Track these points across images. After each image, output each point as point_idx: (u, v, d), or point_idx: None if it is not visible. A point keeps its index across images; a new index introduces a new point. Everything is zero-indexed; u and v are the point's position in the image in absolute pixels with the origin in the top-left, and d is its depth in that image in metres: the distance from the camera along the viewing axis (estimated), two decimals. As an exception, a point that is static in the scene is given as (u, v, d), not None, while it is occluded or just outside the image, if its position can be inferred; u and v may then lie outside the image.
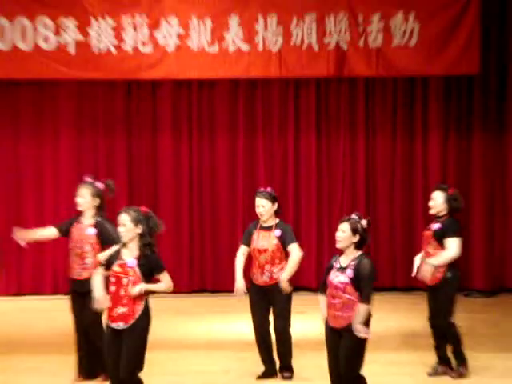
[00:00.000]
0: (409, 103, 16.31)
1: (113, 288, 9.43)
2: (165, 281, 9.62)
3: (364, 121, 16.34)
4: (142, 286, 9.40)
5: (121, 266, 9.44)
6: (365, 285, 9.27)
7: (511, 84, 16.21)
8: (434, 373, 11.44)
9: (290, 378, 11.47)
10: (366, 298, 9.28)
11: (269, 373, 11.49)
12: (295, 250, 11.26)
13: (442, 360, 11.49)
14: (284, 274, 11.23)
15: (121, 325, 9.47)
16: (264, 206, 11.29)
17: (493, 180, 16.30)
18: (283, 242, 11.28)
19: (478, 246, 15.97)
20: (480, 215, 16.19)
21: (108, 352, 9.61)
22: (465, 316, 13.41)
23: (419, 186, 16.05)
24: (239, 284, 11.38)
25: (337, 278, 9.41)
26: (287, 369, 11.54)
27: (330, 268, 9.58)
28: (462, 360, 11.44)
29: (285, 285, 11.24)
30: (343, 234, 9.43)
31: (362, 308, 9.27)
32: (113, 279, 9.42)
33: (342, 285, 9.33)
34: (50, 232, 11.52)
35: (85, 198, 11.23)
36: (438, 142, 16.32)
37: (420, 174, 16.26)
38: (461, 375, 11.34)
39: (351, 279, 9.32)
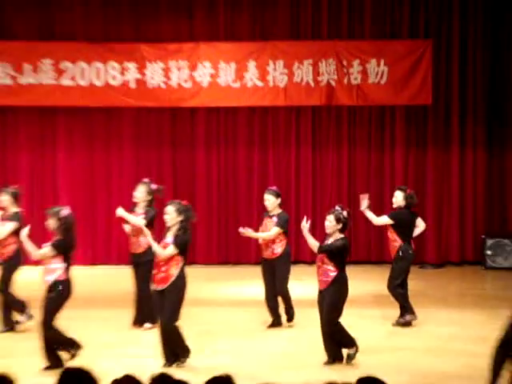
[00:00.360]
0: (380, 126, 16.35)
1: (156, 260, 9.97)
2: (166, 249, 9.80)
3: (347, 138, 16.37)
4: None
5: (164, 245, 9.90)
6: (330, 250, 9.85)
7: (455, 111, 16.11)
8: (397, 323, 11.71)
9: (292, 324, 11.85)
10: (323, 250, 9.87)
11: (275, 323, 11.77)
12: (272, 231, 11.53)
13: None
14: (253, 233, 11.75)
15: (160, 287, 9.84)
16: (269, 200, 11.70)
17: (441, 183, 16.35)
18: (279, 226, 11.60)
19: (430, 231, 15.74)
20: (432, 208, 16.16)
21: (154, 307, 10.24)
22: (420, 282, 14.05)
23: (387, 187, 15.75)
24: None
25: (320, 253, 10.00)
26: (290, 319, 11.88)
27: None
28: (406, 310, 11.67)
29: (248, 234, 11.78)
30: (330, 223, 10.14)
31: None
32: None
33: (322, 258, 9.91)
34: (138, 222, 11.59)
35: (141, 194, 11.70)
36: (402, 155, 16.33)
37: (388, 178, 16.19)
38: (407, 321, 11.66)
39: (327, 256, 9.85)
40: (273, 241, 11.66)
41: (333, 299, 9.91)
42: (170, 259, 9.90)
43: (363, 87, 15.84)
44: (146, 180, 11.94)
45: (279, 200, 11.80)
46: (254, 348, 10.93)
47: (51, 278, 9.87)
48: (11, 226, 11.57)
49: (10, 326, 11.73)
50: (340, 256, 9.93)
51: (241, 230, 11.73)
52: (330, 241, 10.01)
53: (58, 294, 9.88)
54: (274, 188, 12.05)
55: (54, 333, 9.93)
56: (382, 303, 12.53)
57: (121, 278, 13.31)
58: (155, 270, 10.05)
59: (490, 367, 8.17)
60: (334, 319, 9.98)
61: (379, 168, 16.42)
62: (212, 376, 5.05)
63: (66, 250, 9.94)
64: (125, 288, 12.57)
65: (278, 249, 11.67)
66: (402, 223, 11.78)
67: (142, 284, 11.63)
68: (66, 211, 10.02)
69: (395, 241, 11.80)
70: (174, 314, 9.96)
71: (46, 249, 9.85)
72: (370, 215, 11.97)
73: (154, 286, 10.09)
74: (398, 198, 11.85)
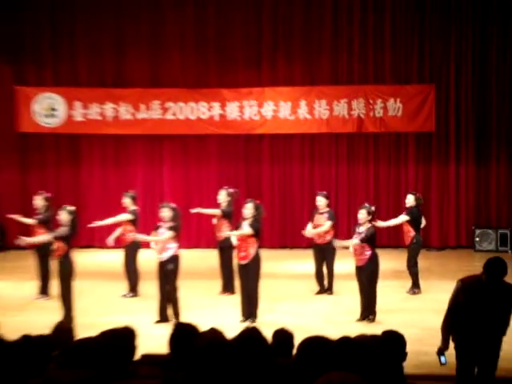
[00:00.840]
0: (397, 147, 16.22)
1: (238, 243, 10.22)
2: (244, 230, 9.97)
3: (373, 157, 16.25)
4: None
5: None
6: (367, 237, 10.04)
7: (452, 136, 15.94)
8: (409, 292, 11.92)
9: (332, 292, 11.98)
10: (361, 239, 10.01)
11: (321, 291, 11.91)
12: (327, 225, 11.66)
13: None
14: (313, 231, 11.70)
15: (243, 262, 10.11)
16: (321, 201, 11.86)
17: (442, 189, 16.15)
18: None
19: (434, 223, 15.79)
20: (435, 207, 15.95)
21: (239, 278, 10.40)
22: (426, 261, 13.82)
23: (402, 193, 14.77)
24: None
25: (355, 238, 10.15)
26: (330, 289, 12.04)
27: (354, 232, 10.25)
28: (415, 285, 11.92)
29: (310, 234, 11.84)
30: (362, 215, 10.29)
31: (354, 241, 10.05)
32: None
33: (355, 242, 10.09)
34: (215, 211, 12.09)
35: (222, 196, 11.91)
36: (413, 169, 16.15)
37: (403, 186, 15.82)
38: (415, 292, 11.86)
39: (362, 240, 10.05)
40: (326, 231, 11.77)
41: (372, 270, 10.09)
42: (248, 242, 10.02)
43: (384, 119, 15.86)
44: (225, 187, 12.14)
45: (328, 201, 11.97)
46: (307, 309, 11.07)
47: (168, 254, 10.11)
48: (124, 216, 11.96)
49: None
50: (372, 239, 10.10)
51: (303, 232, 11.88)
52: (361, 229, 10.15)
53: (176, 266, 10.13)
54: (324, 192, 12.18)
55: (175, 295, 10.16)
56: (399, 276, 12.53)
57: (211, 259, 13.14)
58: (238, 250, 10.21)
59: (441, 332, 7.41)
60: (374, 286, 10.16)
61: (397, 179, 16.33)
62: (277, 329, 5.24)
63: (178, 232, 10.21)
64: (214, 266, 12.58)
65: (328, 237, 11.82)
66: (415, 218, 11.91)
67: (227, 262, 11.87)
68: (174, 205, 10.36)
69: (409, 232, 11.93)
70: (257, 280, 10.11)
71: (168, 233, 10.08)
72: (389, 223, 12.12)
73: (238, 262, 10.20)
74: (410, 200, 12.05)
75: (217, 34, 16.19)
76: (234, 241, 10.64)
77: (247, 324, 9.66)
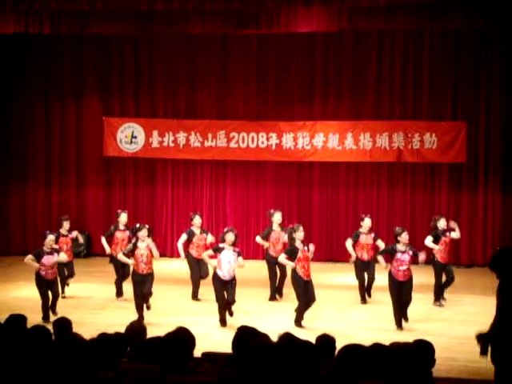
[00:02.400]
0: (431, 176, 15.89)
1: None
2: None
3: (410, 184, 15.89)
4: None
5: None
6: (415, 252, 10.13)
7: (481, 167, 15.63)
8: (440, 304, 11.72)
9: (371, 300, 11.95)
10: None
11: (364, 301, 11.86)
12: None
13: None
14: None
15: (308, 279, 10.12)
16: (368, 222, 11.91)
17: (472, 213, 15.74)
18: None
19: (463, 243, 15.25)
20: (465, 229, 15.01)
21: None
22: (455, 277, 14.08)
23: (436, 215, 13.52)
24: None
25: (403, 257, 10.06)
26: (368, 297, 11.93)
27: (395, 251, 10.09)
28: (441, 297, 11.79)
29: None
30: (407, 236, 10.27)
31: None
32: None
33: (408, 259, 10.10)
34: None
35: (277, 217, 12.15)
36: (446, 195, 15.79)
37: (437, 211, 15.04)
38: (441, 304, 11.67)
39: (411, 256, 10.09)
40: (371, 247, 11.78)
41: (411, 285, 10.16)
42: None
43: (421, 150, 15.60)
44: (271, 211, 12.34)
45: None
46: (348, 317, 10.98)
47: (233, 274, 10.23)
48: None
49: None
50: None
51: (352, 259, 11.83)
52: (403, 248, 10.01)
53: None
54: (369, 215, 12.16)
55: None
56: (427, 289, 12.07)
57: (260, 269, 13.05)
58: (301, 268, 10.13)
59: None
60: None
61: (431, 204, 16.00)
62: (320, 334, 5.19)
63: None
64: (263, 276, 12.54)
65: (371, 253, 11.81)
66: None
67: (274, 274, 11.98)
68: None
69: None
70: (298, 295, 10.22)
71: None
72: (432, 246, 11.80)
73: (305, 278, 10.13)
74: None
75: (275, 73, 16.20)
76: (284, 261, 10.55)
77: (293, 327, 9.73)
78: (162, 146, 16.27)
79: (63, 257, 10.92)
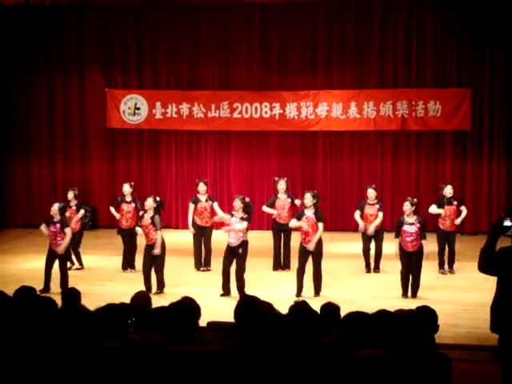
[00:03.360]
0: (436, 144, 15.86)
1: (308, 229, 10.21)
2: (319, 225, 10.16)
3: (414, 152, 15.87)
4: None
5: (307, 218, 10.21)
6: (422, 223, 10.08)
7: (485, 134, 15.61)
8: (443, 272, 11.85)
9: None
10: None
11: (368, 270, 11.93)
12: (380, 215, 11.78)
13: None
14: (373, 226, 11.65)
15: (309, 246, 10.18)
16: (372, 193, 11.90)
17: (476, 181, 15.69)
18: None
19: (468, 211, 13.80)
20: (470, 197, 15.43)
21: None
22: (459, 244, 13.11)
23: (441, 183, 13.82)
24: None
25: (410, 228, 10.12)
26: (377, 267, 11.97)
27: (402, 223, 10.15)
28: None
29: (370, 230, 11.80)
30: (407, 207, 10.24)
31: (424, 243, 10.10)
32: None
33: (415, 231, 10.07)
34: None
35: (282, 186, 12.06)
36: (450, 163, 15.75)
37: (441, 180, 14.77)
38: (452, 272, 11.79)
39: (419, 228, 10.09)
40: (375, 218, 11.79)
41: (421, 256, 10.12)
42: (315, 228, 10.04)
43: (425, 118, 15.51)
44: (275, 178, 12.34)
45: (377, 193, 11.93)
46: (354, 285, 11.03)
47: (239, 240, 10.11)
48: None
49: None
50: (424, 228, 10.08)
51: (361, 229, 11.85)
52: (409, 219, 10.07)
53: (245, 250, 10.19)
54: (374, 185, 12.16)
55: (242, 275, 10.15)
56: (432, 257, 11.91)
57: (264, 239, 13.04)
58: (305, 235, 10.15)
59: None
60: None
61: (435, 173, 15.94)
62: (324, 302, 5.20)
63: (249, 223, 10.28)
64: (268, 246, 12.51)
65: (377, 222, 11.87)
66: None
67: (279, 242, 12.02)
68: (247, 199, 10.39)
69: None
70: (321, 261, 10.24)
71: (244, 223, 10.11)
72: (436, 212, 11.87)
73: (305, 245, 10.17)
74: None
75: (278, 43, 16.11)
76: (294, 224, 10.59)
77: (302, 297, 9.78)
78: (165, 117, 16.22)
79: (68, 234, 10.75)
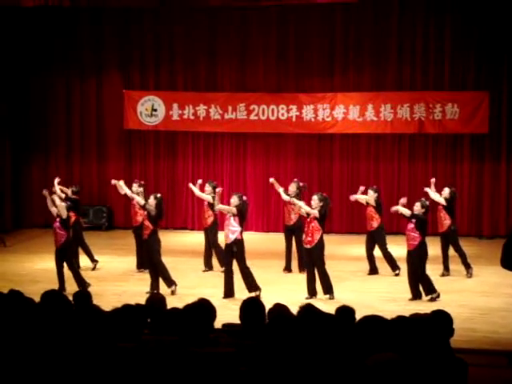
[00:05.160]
0: (453, 147, 15.73)
1: (305, 228, 10.13)
2: (312, 210, 9.94)
3: (431, 155, 15.77)
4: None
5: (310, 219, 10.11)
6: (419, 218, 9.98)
7: (504, 137, 15.44)
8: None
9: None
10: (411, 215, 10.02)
11: (372, 273, 11.78)
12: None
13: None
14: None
15: (308, 246, 10.08)
16: (369, 194, 11.90)
17: (494, 184, 15.51)
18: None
19: (486, 214, 15.42)
20: (488, 199, 15.42)
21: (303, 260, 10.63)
22: (477, 248, 13.87)
23: (458, 187, 14.34)
24: None
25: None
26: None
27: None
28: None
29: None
30: (417, 207, 10.19)
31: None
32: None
33: (412, 228, 10.01)
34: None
35: (292, 188, 11.85)
36: (468, 167, 15.64)
37: (459, 183, 15.27)
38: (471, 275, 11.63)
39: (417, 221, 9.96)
40: (374, 219, 11.82)
41: (420, 255, 9.91)
42: (314, 228, 9.95)
43: (443, 121, 15.45)
44: (296, 180, 12.11)
45: (376, 194, 11.82)
46: (368, 288, 10.99)
47: (233, 237, 10.10)
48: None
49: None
50: (423, 226, 10.00)
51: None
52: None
53: (240, 248, 10.10)
54: (375, 187, 12.14)
55: (247, 271, 10.15)
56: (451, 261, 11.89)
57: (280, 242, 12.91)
58: (304, 235, 10.16)
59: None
60: (423, 269, 9.95)
61: (453, 175, 15.82)
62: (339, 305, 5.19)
63: (241, 218, 10.17)
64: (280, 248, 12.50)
65: (375, 224, 11.90)
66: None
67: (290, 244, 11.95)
68: (245, 197, 10.40)
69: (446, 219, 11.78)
70: (323, 263, 10.07)
71: (232, 220, 10.05)
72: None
73: (304, 246, 10.16)
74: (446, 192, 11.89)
75: (295, 45, 16.10)
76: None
77: (312, 300, 9.66)
78: (182, 118, 16.27)
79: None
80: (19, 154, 16.76)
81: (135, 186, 12.29)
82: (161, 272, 10.36)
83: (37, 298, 5.21)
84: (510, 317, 9.23)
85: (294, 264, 12.02)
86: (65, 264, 10.51)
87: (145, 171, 16.74)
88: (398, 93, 15.69)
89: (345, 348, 3.70)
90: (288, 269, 12.05)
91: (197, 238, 13.80)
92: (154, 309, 5.08)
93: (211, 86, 16.45)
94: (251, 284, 10.13)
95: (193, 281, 11.37)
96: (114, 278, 11.72)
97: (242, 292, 10.04)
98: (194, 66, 16.44)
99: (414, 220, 10.01)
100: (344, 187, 16.18)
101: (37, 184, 16.93)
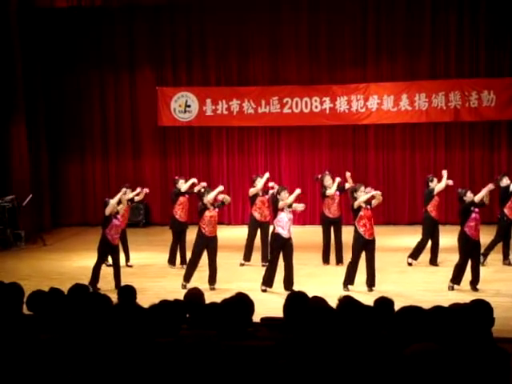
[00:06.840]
0: (490, 134, 15.66)
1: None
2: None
3: (468, 143, 15.65)
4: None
5: None
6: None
7: None
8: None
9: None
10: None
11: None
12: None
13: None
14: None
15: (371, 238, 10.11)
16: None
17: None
18: None
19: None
20: None
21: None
22: None
23: (496, 174, 14.07)
24: None
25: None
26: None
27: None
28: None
29: None
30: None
31: None
32: None
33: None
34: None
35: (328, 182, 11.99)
36: (506, 154, 15.56)
37: (496, 170, 14.96)
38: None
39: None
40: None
41: (461, 245, 9.96)
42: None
43: (479, 109, 15.35)
44: (326, 172, 12.31)
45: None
46: (408, 279, 10.90)
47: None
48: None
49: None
50: (465, 215, 9.88)
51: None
52: None
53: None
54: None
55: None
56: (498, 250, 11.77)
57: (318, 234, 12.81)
58: (368, 227, 10.08)
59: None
60: (462, 258, 9.98)
61: (490, 163, 15.74)
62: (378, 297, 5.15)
63: None
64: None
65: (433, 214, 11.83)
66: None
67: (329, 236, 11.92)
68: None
69: None
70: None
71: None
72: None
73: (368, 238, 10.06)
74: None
75: (327, 37, 16.04)
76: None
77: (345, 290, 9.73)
78: (215, 113, 16.31)
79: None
80: (55, 153, 16.98)
81: (181, 182, 12.31)
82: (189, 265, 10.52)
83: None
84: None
85: (332, 257, 12.05)
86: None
87: (180, 167, 16.84)
88: (433, 81, 15.57)
89: (384, 339, 3.68)
90: (327, 261, 12.01)
91: (235, 233, 13.80)
92: (193, 304, 5.10)
93: (244, 80, 16.46)
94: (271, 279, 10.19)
95: (234, 275, 11.37)
96: (152, 273, 11.78)
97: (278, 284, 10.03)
98: (226, 61, 16.48)
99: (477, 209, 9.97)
100: (380, 178, 16.17)
101: (73, 182, 17.19)
